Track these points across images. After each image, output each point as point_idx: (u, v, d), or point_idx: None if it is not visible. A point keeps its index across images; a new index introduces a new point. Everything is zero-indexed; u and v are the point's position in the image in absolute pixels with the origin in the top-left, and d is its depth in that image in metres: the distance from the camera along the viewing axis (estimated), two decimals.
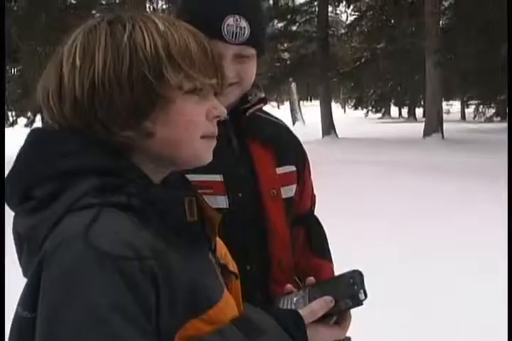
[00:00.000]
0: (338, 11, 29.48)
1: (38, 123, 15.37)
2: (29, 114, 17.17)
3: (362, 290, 1.06)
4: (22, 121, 17.49)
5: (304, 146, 1.74)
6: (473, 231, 6.16)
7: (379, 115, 40.66)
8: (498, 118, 28.33)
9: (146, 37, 0.92)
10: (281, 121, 1.75)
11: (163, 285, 0.86)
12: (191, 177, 1.39)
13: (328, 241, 1.77)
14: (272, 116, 1.71)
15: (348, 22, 27.83)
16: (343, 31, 27.23)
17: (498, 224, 5.32)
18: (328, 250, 1.76)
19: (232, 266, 1.12)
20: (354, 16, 25.81)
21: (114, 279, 0.82)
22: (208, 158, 1.03)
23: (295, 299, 1.11)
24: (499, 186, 7.22)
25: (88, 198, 0.88)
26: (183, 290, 0.89)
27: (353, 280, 1.08)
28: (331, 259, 1.75)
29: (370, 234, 6.26)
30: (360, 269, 1.12)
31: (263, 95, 1.61)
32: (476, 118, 30.25)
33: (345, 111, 49.70)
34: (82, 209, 0.87)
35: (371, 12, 23.72)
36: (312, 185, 1.75)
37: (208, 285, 0.96)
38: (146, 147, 0.96)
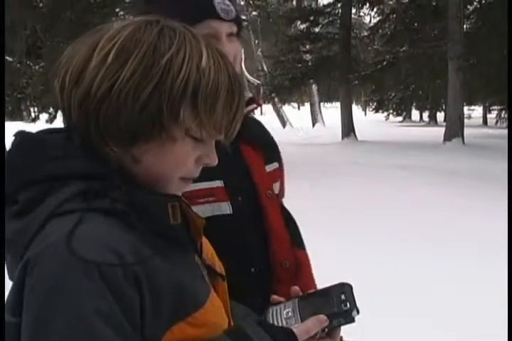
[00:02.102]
0: (361, 13, 29.37)
1: (59, 119, 15.48)
2: (51, 109, 17.31)
3: (355, 309, 1.04)
4: (44, 117, 17.64)
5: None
6: (493, 237, 6.11)
7: (400, 118, 40.42)
8: None
9: (184, 67, 0.89)
10: (258, 120, 1.76)
11: (147, 289, 0.85)
12: (193, 186, 1.37)
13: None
14: (252, 116, 1.71)
15: (370, 24, 27.72)
16: (365, 34, 27.10)
17: None
18: (302, 239, 1.74)
19: (219, 268, 1.11)
20: (377, 19, 25.72)
21: (98, 286, 0.81)
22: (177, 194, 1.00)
23: (284, 312, 1.10)
24: None
25: (71, 203, 0.86)
26: (168, 294, 0.88)
27: (345, 297, 1.06)
28: (305, 248, 1.73)
29: (386, 237, 6.24)
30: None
31: (251, 95, 1.60)
32: (498, 124, 29.98)
33: (365, 113, 49.48)
34: (65, 214, 0.86)
35: (394, 15, 23.58)
36: (283, 180, 1.74)
37: (193, 287, 0.94)
38: (132, 170, 0.94)
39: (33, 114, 17.31)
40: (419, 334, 3.82)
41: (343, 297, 1.07)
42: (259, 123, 1.73)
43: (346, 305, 1.05)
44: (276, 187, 1.62)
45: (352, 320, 1.05)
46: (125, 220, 0.88)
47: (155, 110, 0.88)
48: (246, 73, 35.57)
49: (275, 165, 1.65)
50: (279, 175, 1.66)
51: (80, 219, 0.84)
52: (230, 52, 1.44)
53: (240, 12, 1.55)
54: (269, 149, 1.65)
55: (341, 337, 1.44)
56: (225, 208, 1.46)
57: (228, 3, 1.46)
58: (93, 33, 0.93)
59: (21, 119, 19.98)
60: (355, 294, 1.09)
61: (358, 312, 1.04)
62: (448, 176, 11.10)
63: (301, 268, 1.67)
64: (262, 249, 1.52)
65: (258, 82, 26.83)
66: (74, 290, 0.80)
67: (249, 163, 1.54)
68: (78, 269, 0.80)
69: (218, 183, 1.46)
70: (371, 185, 9.74)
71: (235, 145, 1.51)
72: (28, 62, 14.83)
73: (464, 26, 19.82)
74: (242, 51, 1.54)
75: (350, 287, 1.09)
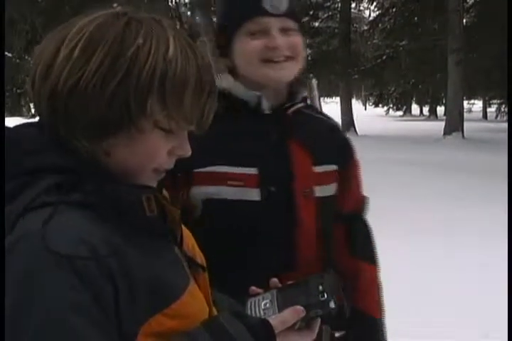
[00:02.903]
0: (361, 8, 29.32)
1: None
2: None
3: (332, 300, 1.03)
4: None
5: None
6: (492, 230, 6.12)
7: (400, 113, 40.40)
8: None
9: (150, 59, 0.88)
10: (330, 118, 1.74)
11: (121, 282, 0.85)
12: (227, 168, 1.46)
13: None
14: (320, 113, 1.70)
15: (370, 19, 27.69)
16: (365, 28, 27.10)
17: None
18: (372, 252, 1.73)
19: (200, 259, 1.10)
20: (377, 13, 25.68)
21: (71, 279, 0.80)
22: (152, 186, 0.99)
23: (263, 304, 1.09)
24: None
25: (46, 196, 0.86)
26: (144, 286, 0.88)
27: (323, 288, 1.06)
28: (375, 262, 1.72)
29: (385, 230, 6.24)
30: None
31: (306, 94, 1.62)
32: (498, 118, 29.97)
33: (365, 108, 49.46)
34: (40, 207, 0.85)
35: (394, 9, 23.56)
36: (359, 185, 1.74)
37: (170, 279, 0.93)
38: (104, 162, 0.93)
39: (32, 110, 17.29)
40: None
41: (320, 288, 1.06)
42: (324, 123, 1.69)
43: (324, 296, 1.04)
44: (324, 189, 1.58)
45: (330, 311, 1.04)
46: (99, 213, 0.87)
47: (122, 103, 0.87)
48: None
49: (331, 167, 1.61)
50: (335, 178, 1.62)
51: (53, 212, 0.84)
52: (284, 46, 1.48)
53: (295, 7, 1.57)
54: (328, 150, 1.61)
55: (333, 332, 1.43)
56: (254, 195, 1.47)
57: None
58: (63, 28, 0.93)
59: (21, 115, 20.02)
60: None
61: (335, 303, 1.03)
62: (447, 170, 11.11)
63: (358, 278, 1.67)
64: (287, 242, 1.52)
65: None
66: (46, 284, 0.80)
67: (294, 157, 1.53)
68: (50, 263, 0.80)
69: (253, 170, 1.48)
70: (371, 178, 9.73)
71: (281, 139, 1.54)
72: (28, 58, 14.83)
73: (464, 20, 19.79)
74: (302, 47, 1.54)
75: (328, 278, 1.09)
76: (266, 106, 1.53)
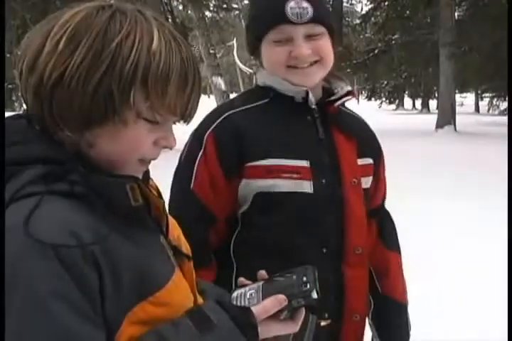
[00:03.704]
0: (352, 1, 29.30)
1: None
2: None
3: (315, 289, 1.06)
4: None
5: None
6: (485, 223, 6.15)
7: (393, 106, 40.48)
8: None
9: (134, 51, 0.89)
10: (360, 116, 1.80)
11: (106, 269, 0.86)
12: (280, 161, 1.50)
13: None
14: (352, 111, 1.76)
15: (362, 12, 27.69)
16: (357, 22, 27.08)
17: None
18: (398, 242, 1.80)
19: (186, 248, 1.12)
20: (369, 7, 25.66)
21: (54, 267, 0.82)
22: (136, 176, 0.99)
23: (248, 294, 1.11)
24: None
25: (32, 186, 0.87)
26: (129, 274, 0.89)
27: (306, 279, 1.08)
28: (400, 251, 1.80)
29: None
30: None
31: (350, 88, 1.64)
32: (490, 111, 30.07)
33: (358, 102, 49.44)
34: (26, 197, 0.86)
35: (386, 3, 23.53)
36: (385, 179, 1.80)
37: (155, 267, 0.95)
38: (89, 153, 0.95)
39: (24, 105, 17.24)
40: None
41: (304, 279, 1.08)
42: (357, 119, 1.76)
43: (306, 286, 1.06)
44: (366, 181, 1.65)
45: (312, 301, 1.06)
46: (84, 202, 0.88)
47: (106, 94, 0.88)
48: (238, 62, 35.47)
49: (368, 160, 1.67)
50: (372, 171, 1.68)
51: (38, 201, 0.85)
52: (308, 53, 1.51)
53: (325, 11, 1.59)
54: (365, 144, 1.67)
55: (319, 321, 1.46)
56: (307, 187, 1.52)
57: (305, 5, 1.49)
58: (49, 20, 0.93)
59: (13, 110, 19.94)
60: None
61: (317, 293, 1.05)
62: (439, 163, 11.14)
63: (390, 269, 1.75)
64: (338, 232, 1.56)
65: (250, 70, 26.78)
66: (30, 272, 0.81)
67: (340, 150, 1.58)
68: (34, 251, 0.81)
69: (305, 163, 1.52)
70: None
71: (327, 132, 1.59)
72: (19, 53, 14.74)
73: (456, 13, 19.81)
74: (330, 49, 1.57)
75: (313, 270, 1.11)
76: (312, 100, 1.57)
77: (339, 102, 1.60)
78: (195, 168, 1.52)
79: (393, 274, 1.76)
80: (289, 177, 1.50)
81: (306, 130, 1.58)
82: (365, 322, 1.69)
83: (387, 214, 1.82)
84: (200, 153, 1.52)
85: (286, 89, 1.57)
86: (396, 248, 1.79)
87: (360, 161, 1.63)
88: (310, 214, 1.54)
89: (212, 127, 1.53)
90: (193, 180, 1.52)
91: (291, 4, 1.48)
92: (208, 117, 1.58)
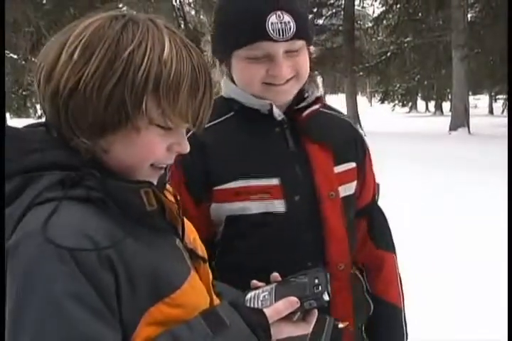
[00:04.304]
0: (364, 4, 29.25)
1: None
2: None
3: (326, 292, 1.07)
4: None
5: None
6: (498, 228, 6.12)
7: (406, 109, 40.32)
8: None
9: (145, 60, 0.91)
10: (343, 114, 1.70)
11: (121, 272, 0.89)
12: (249, 182, 1.42)
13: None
14: (334, 110, 1.66)
15: (374, 15, 27.63)
16: (369, 25, 27.04)
17: None
18: (391, 240, 1.73)
19: (201, 251, 1.15)
20: (381, 10, 25.63)
21: (71, 270, 0.85)
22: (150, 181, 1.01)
23: (261, 296, 1.12)
24: None
25: (50, 192, 0.90)
26: (144, 276, 0.92)
27: (318, 281, 1.09)
28: (394, 250, 1.72)
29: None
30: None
31: (319, 94, 1.55)
32: (504, 113, 29.86)
33: (371, 104, 49.38)
34: (44, 202, 0.89)
35: (398, 5, 23.50)
36: (374, 175, 1.72)
37: (171, 269, 0.98)
38: (104, 159, 0.98)
39: (39, 111, 17.38)
40: None
41: (316, 281, 1.10)
42: (338, 120, 1.65)
43: (318, 288, 1.08)
44: (347, 188, 1.56)
45: (324, 303, 1.07)
46: (101, 207, 0.91)
47: (119, 102, 0.91)
48: None
49: (350, 165, 1.58)
50: (355, 175, 1.59)
51: (56, 207, 0.88)
52: (287, 73, 1.41)
53: (306, 23, 1.43)
54: (344, 148, 1.57)
55: (336, 323, 1.44)
56: (279, 206, 1.44)
57: (288, 19, 1.37)
58: (66, 31, 0.96)
59: (28, 116, 20.11)
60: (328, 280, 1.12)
61: (329, 295, 1.07)
62: (453, 165, 11.09)
63: (382, 269, 1.68)
64: (318, 249, 1.49)
65: None
66: (47, 274, 0.84)
67: (314, 161, 1.50)
68: (52, 255, 0.85)
69: (274, 181, 1.44)
70: (377, 175, 9.72)
71: (298, 143, 1.50)
72: (33, 59, 14.88)
73: (468, 15, 19.75)
74: (307, 62, 1.46)
75: (324, 272, 1.12)
76: (277, 113, 1.48)
77: (307, 112, 1.51)
78: None
79: (385, 275, 1.69)
80: (258, 199, 1.43)
81: (274, 143, 1.49)
82: (354, 330, 1.61)
83: (380, 212, 1.74)
84: (167, 177, 1.34)
85: (250, 103, 1.48)
86: (389, 247, 1.71)
87: (339, 168, 1.54)
88: (287, 234, 1.46)
89: None
90: None
91: (272, 19, 1.35)
92: None
